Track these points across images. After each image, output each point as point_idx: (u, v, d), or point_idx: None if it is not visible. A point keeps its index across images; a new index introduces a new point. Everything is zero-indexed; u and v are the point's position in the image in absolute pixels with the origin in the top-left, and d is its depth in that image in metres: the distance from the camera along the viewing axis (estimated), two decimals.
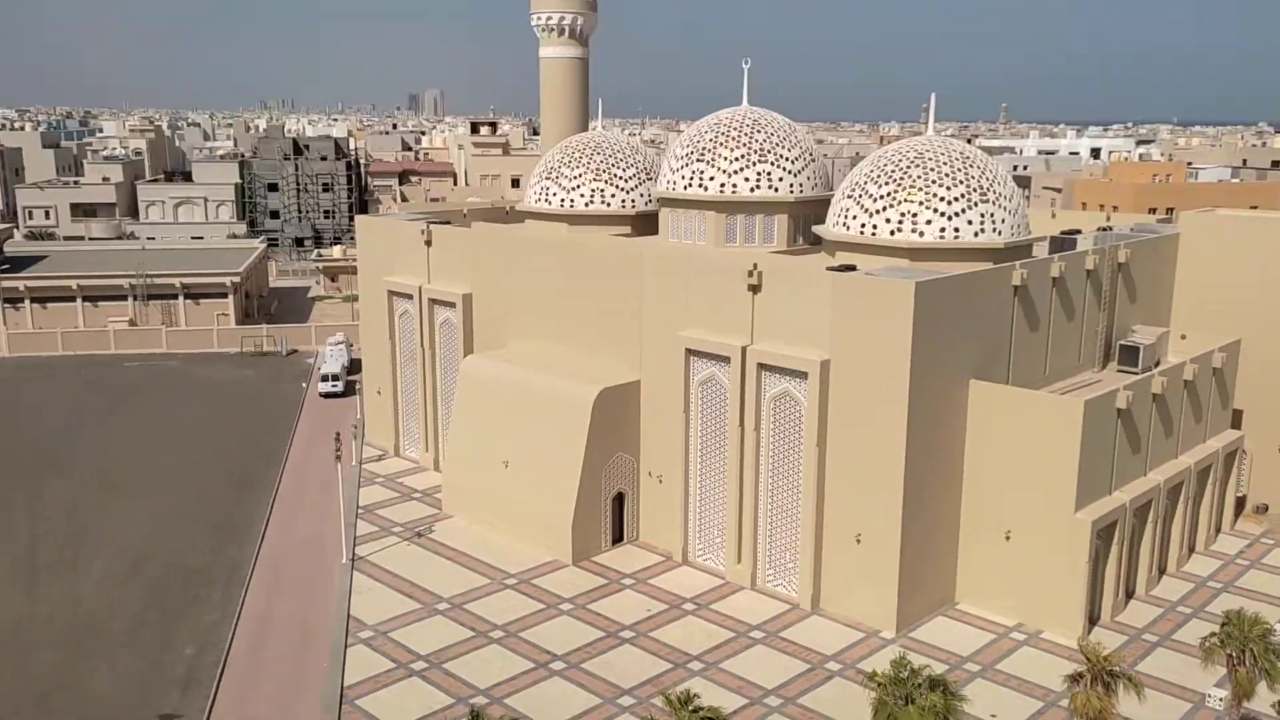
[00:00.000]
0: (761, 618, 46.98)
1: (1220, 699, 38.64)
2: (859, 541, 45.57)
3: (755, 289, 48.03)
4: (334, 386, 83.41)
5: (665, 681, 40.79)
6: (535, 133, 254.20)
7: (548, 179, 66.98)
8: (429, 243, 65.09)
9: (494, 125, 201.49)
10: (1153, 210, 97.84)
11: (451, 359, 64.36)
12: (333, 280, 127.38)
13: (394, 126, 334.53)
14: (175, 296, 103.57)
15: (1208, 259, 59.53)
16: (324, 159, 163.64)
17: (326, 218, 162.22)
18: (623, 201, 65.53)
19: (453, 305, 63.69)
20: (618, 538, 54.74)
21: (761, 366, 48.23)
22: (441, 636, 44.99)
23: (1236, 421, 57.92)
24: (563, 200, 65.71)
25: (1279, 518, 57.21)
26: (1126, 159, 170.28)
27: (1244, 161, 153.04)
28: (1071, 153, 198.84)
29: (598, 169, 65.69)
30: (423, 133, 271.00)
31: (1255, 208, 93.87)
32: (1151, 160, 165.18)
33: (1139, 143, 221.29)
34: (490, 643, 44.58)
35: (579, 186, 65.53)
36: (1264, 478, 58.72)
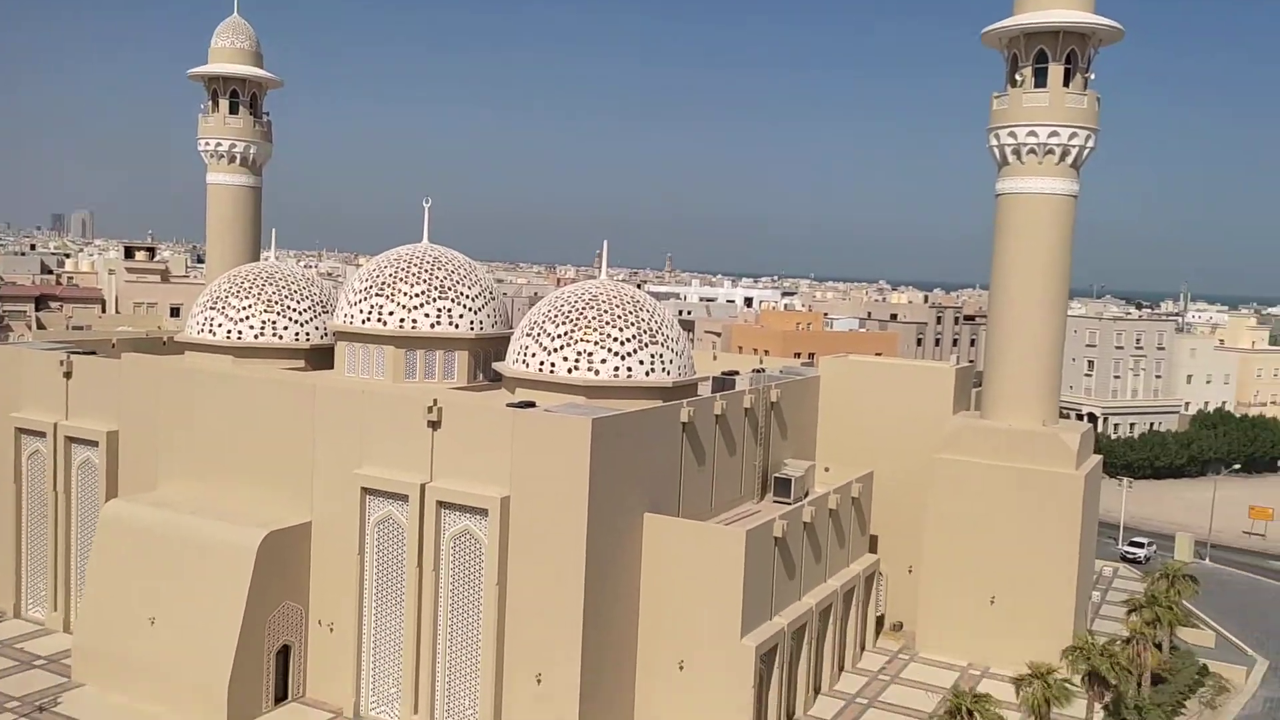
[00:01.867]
0: None
1: None
2: (539, 681, 44.95)
3: (435, 425, 47.46)
4: None
5: None
6: (200, 260, 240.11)
7: (213, 309, 63.16)
8: (68, 374, 58.71)
9: (152, 250, 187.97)
10: (798, 354, 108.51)
11: (90, 504, 57.59)
12: None
13: (32, 247, 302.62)
14: None
15: (843, 398, 66.53)
16: None
17: None
18: (296, 334, 62.99)
19: (94, 444, 57.40)
20: (281, 696, 50.34)
21: (441, 504, 47.28)
22: None
23: (873, 546, 64.07)
24: (229, 331, 62.06)
25: (911, 634, 63.30)
26: (775, 308, 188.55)
27: (869, 314, 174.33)
28: (729, 300, 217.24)
29: (269, 300, 62.95)
30: (67, 255, 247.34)
31: (880, 354, 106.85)
32: (795, 310, 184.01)
33: (784, 294, 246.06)
34: None
35: (248, 318, 62.31)
36: (898, 597, 65.03)
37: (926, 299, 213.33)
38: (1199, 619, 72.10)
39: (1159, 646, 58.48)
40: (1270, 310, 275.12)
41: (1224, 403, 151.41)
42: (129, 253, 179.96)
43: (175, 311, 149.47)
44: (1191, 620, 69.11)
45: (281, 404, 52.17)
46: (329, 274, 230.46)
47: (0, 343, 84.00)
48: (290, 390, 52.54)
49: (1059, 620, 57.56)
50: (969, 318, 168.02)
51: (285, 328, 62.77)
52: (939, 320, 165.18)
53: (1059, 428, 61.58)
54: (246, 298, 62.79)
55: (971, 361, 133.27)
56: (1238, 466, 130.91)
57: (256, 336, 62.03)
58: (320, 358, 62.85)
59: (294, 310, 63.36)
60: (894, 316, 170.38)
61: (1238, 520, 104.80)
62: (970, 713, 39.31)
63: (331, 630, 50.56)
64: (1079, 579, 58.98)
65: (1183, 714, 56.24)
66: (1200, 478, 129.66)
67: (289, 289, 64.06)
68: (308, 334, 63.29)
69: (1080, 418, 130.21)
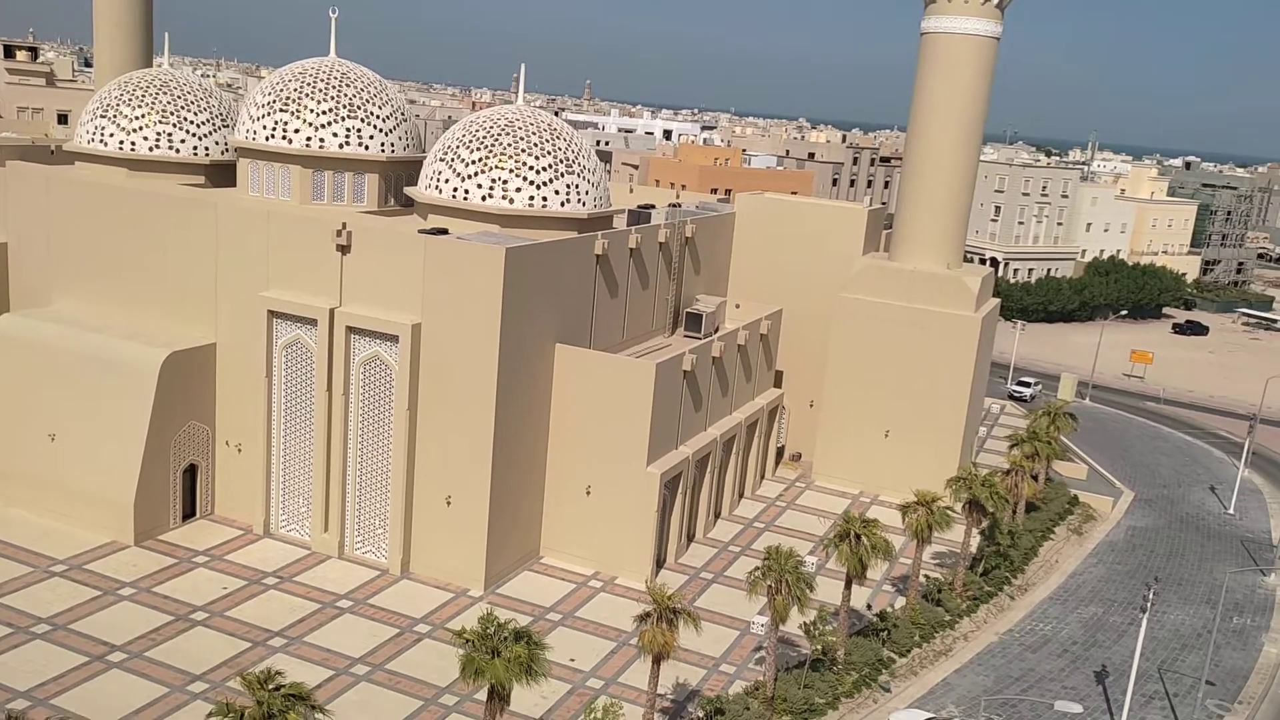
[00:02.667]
0: (349, 586, 46.06)
1: (762, 625, 44.18)
2: (449, 503, 46.14)
3: (344, 249, 46.49)
4: None
5: (243, 662, 38.73)
6: (88, 64, 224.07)
7: (104, 117, 59.55)
8: None
9: (34, 50, 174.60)
10: (714, 190, 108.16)
11: None
12: None
13: None
14: None
15: (757, 236, 67.06)
16: None
17: None
18: (194, 149, 60.04)
19: None
20: (189, 513, 50.74)
21: (351, 330, 46.89)
22: None
23: (778, 381, 66.12)
24: (122, 142, 58.79)
25: (809, 464, 66.35)
26: (694, 142, 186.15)
27: (787, 152, 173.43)
28: (647, 132, 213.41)
29: (164, 110, 59.57)
30: None
31: (795, 192, 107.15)
32: (714, 145, 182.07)
33: (704, 128, 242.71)
34: (33, 639, 39.47)
35: (142, 129, 59.01)
36: (799, 430, 67.74)
37: (844, 139, 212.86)
38: (1075, 454, 77.02)
39: (1036, 478, 62.52)
40: (1171, 162, 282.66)
41: (1118, 251, 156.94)
42: (9, 51, 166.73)
43: (63, 118, 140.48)
44: (1068, 455, 73.77)
45: (182, 222, 50.32)
46: (228, 85, 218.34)
47: None
48: (191, 208, 50.61)
49: (947, 453, 60.88)
50: (885, 159, 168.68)
51: (183, 141, 59.72)
52: (855, 161, 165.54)
53: (961, 271, 63.36)
54: (140, 106, 59.29)
55: (884, 204, 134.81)
56: (1125, 312, 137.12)
57: (152, 149, 58.96)
58: (221, 174, 60.23)
59: (191, 123, 60.17)
60: (812, 155, 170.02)
61: (1120, 363, 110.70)
62: (858, 537, 41.83)
63: (240, 450, 50.64)
64: (968, 415, 62.12)
65: (1052, 539, 60.82)
66: (1090, 322, 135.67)
67: (186, 99, 60.60)
68: (207, 149, 60.38)
69: (984, 262, 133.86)
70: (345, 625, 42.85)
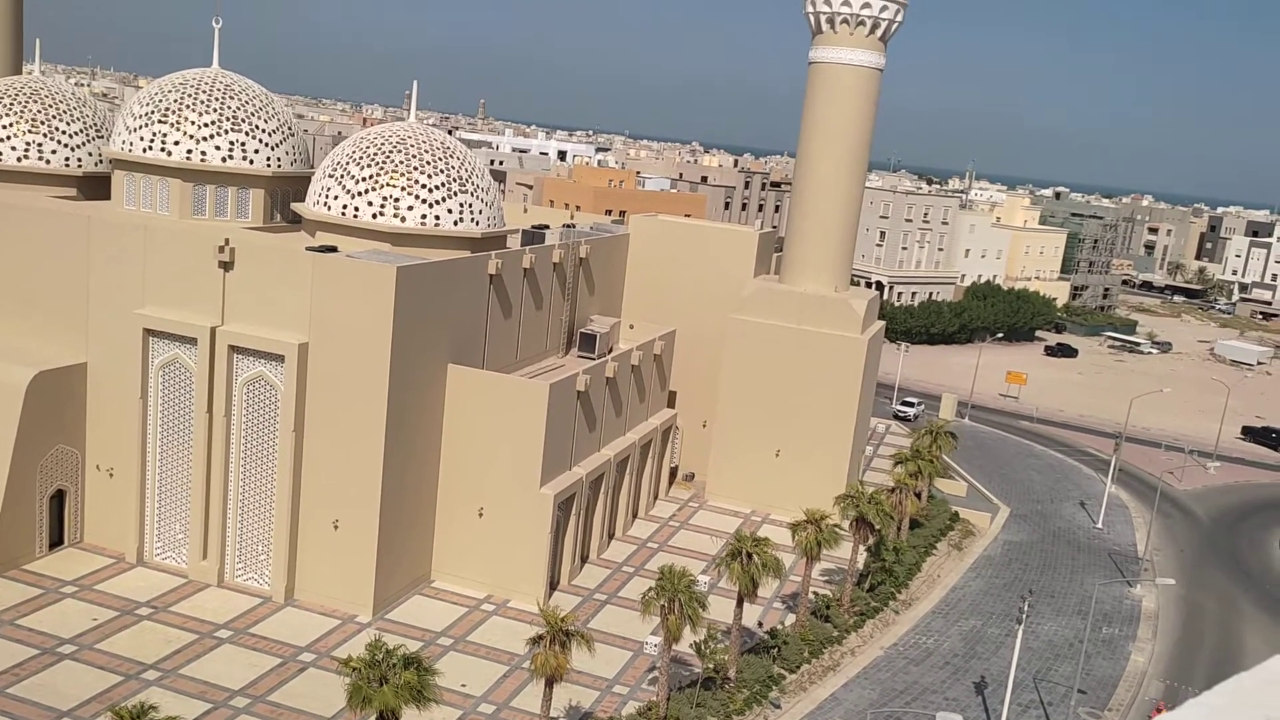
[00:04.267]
0: (229, 615, 44.39)
1: (655, 645, 44.28)
2: (336, 527, 44.98)
3: (227, 266, 45.07)
4: None
5: (115, 696, 36.87)
6: None
7: None
8: None
9: None
10: (609, 211, 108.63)
11: None
12: None
13: None
14: None
15: (651, 257, 67.68)
16: None
17: None
18: (66, 159, 57.48)
19: None
20: (56, 541, 48.22)
21: (233, 349, 45.42)
22: None
23: (671, 401, 66.66)
24: None
25: (702, 484, 66.97)
26: (588, 164, 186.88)
27: (680, 175, 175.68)
28: (542, 153, 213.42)
29: (34, 118, 56.88)
30: None
31: (689, 215, 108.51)
32: (609, 167, 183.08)
33: (598, 150, 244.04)
34: None
35: (10, 137, 56.20)
36: (691, 450, 68.37)
37: (736, 163, 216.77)
38: (956, 471, 79.67)
39: (919, 495, 64.44)
40: (1042, 192, 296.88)
41: (995, 276, 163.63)
42: None
43: None
44: (949, 472, 76.29)
45: (51, 235, 48.06)
46: (104, 95, 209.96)
47: None
48: (61, 220, 48.38)
49: (835, 472, 62.28)
50: (775, 184, 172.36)
51: (54, 151, 57.11)
52: (747, 185, 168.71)
53: (849, 294, 65.12)
54: (7, 115, 56.48)
55: (775, 227, 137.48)
56: (1000, 335, 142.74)
57: (20, 159, 56.21)
58: (94, 187, 57.78)
59: (64, 132, 57.60)
60: (704, 179, 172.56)
61: (996, 384, 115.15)
62: (749, 555, 42.35)
63: (111, 475, 48.41)
64: (855, 435, 63.72)
65: (934, 554, 62.72)
66: (969, 344, 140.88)
67: (58, 108, 58.01)
68: (79, 160, 57.87)
69: (869, 285, 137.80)
70: (225, 656, 41.24)
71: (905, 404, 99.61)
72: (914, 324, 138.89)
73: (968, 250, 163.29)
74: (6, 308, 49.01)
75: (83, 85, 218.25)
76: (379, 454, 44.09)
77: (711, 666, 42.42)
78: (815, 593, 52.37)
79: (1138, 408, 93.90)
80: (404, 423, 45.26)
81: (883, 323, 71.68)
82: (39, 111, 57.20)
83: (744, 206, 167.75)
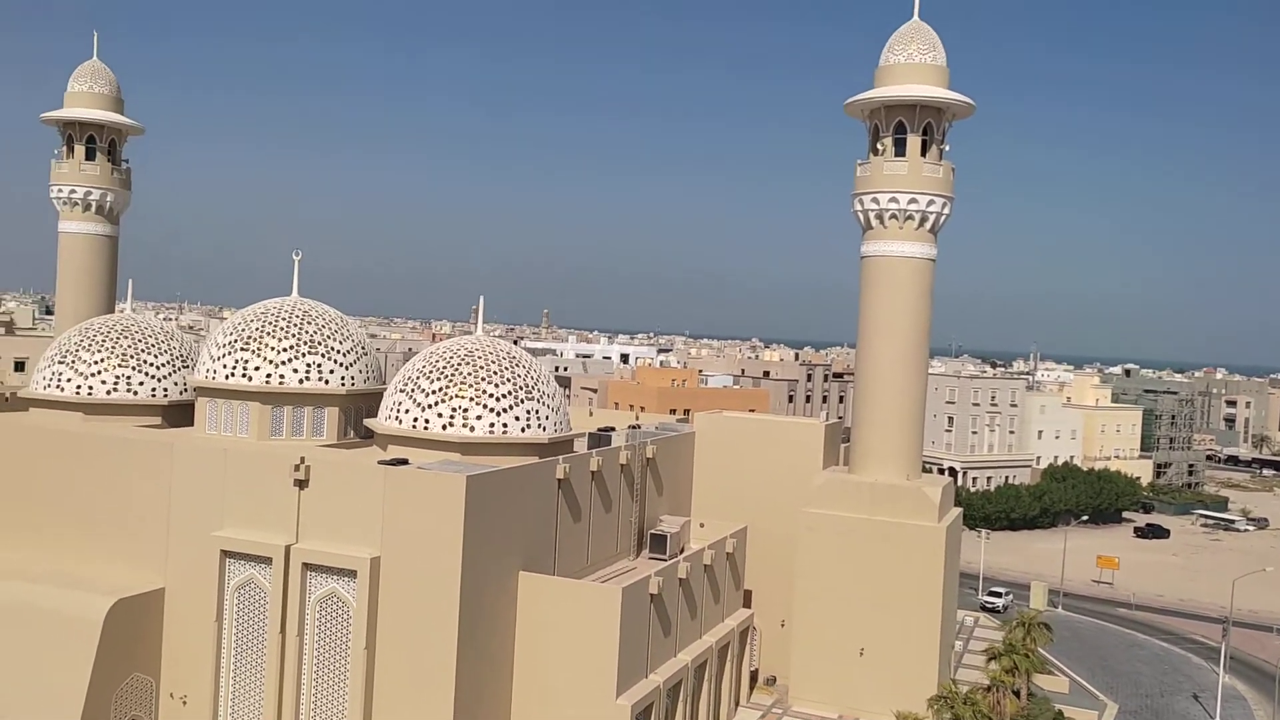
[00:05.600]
0: None
1: None
2: None
3: (302, 484, 45.92)
4: None
5: None
6: (49, 312, 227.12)
7: (61, 363, 59.82)
8: None
9: None
10: (673, 410, 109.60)
11: None
12: None
13: None
14: None
15: (717, 454, 67.49)
16: None
17: None
18: (152, 390, 60.18)
19: None
20: None
21: (307, 566, 45.58)
22: None
23: (747, 601, 64.68)
24: (79, 387, 58.80)
25: (784, 687, 63.89)
26: (650, 365, 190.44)
27: (742, 371, 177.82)
28: (605, 357, 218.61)
29: (124, 354, 60.06)
30: None
31: (753, 410, 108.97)
32: (671, 367, 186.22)
33: (660, 351, 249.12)
34: None
35: (100, 372, 59.25)
36: (771, 651, 65.69)
37: (797, 356, 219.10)
38: (1054, 665, 75.14)
39: (1017, 694, 60.62)
40: (1110, 370, 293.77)
41: (1071, 456, 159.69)
42: None
43: (20, 366, 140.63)
44: (1047, 667, 71.92)
45: (132, 462, 49.64)
46: (190, 327, 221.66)
47: None
48: (142, 448, 50.08)
49: (924, 669, 59.08)
50: (838, 375, 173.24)
51: (141, 383, 59.92)
52: (809, 377, 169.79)
53: (922, 482, 63.81)
54: (99, 351, 59.77)
55: (840, 418, 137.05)
56: (1085, 517, 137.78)
57: (109, 392, 58.97)
58: (179, 415, 60.12)
59: (151, 365, 60.60)
60: (766, 374, 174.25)
61: (1087, 569, 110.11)
62: None
63: (185, 703, 47.78)
64: (942, 629, 60.80)
65: None
66: (1052, 528, 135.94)
67: (146, 342, 61.31)
68: (165, 390, 60.53)
69: (941, 472, 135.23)
70: None
71: (993, 594, 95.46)
72: (992, 509, 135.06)
73: (1040, 432, 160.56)
74: (91, 536, 50.12)
75: (170, 320, 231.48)
76: (451, 668, 43.05)
77: None
78: None
79: (1241, 589, 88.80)
80: (476, 633, 44.40)
81: (960, 510, 69.75)
82: (128, 347, 60.43)
83: (808, 399, 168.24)
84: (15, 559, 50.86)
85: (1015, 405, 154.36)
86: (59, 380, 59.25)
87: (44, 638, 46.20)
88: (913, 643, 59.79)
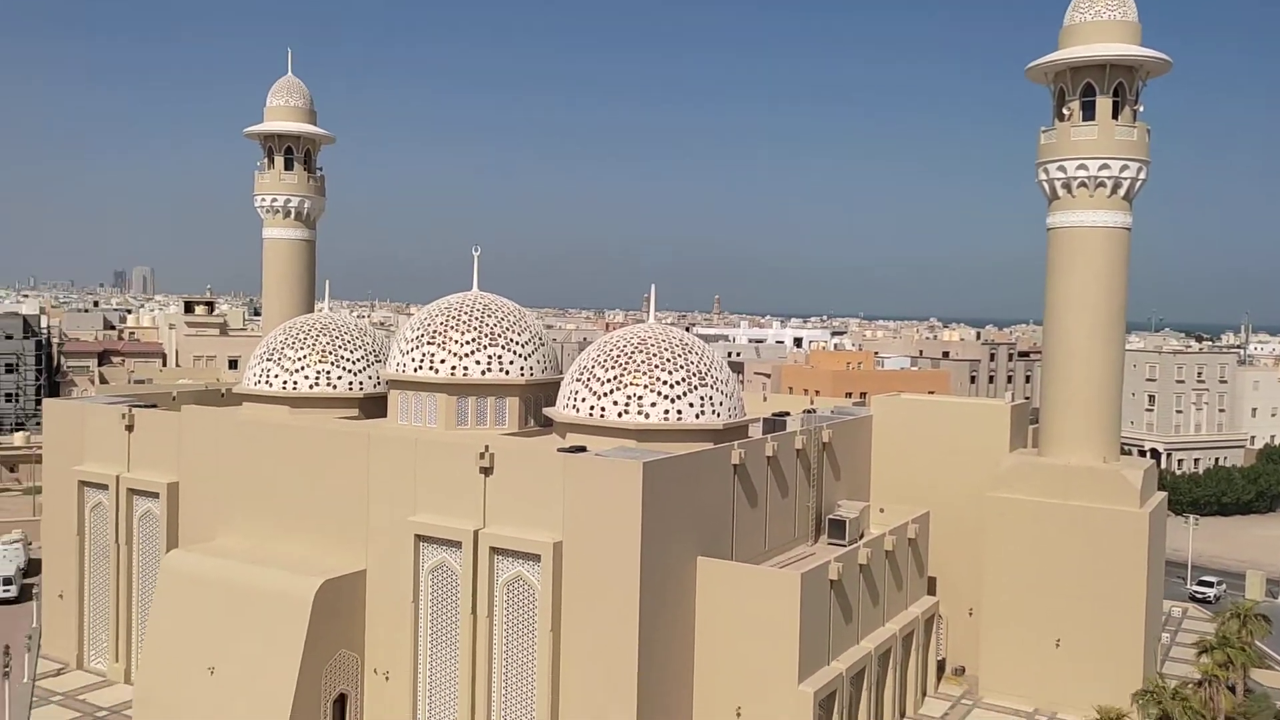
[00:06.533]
0: None
1: None
2: None
3: (487, 471, 47.70)
4: (5, 591, 73.18)
5: None
6: (257, 313, 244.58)
7: (269, 360, 64.37)
8: (130, 428, 60.08)
9: (211, 304, 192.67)
10: (849, 394, 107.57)
11: (151, 555, 58.56)
12: (12, 471, 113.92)
13: (95, 304, 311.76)
14: None
15: (897, 438, 65.71)
16: (9, 338, 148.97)
17: (9, 401, 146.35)
18: (350, 384, 63.92)
19: (155, 495, 58.54)
20: None
21: (494, 550, 47.36)
22: None
23: (932, 588, 62.82)
24: (285, 382, 63.14)
25: (974, 678, 61.74)
26: (824, 348, 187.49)
27: (920, 352, 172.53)
28: (778, 341, 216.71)
29: (324, 350, 64.04)
30: (129, 311, 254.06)
31: (932, 392, 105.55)
32: (845, 349, 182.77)
33: (834, 334, 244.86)
34: None
35: (303, 368, 63.38)
36: (959, 640, 63.57)
37: (979, 336, 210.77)
38: (1274, 660, 69.51)
39: (1232, 689, 56.35)
40: None
41: None
42: (189, 307, 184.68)
43: (233, 364, 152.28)
44: (1266, 662, 66.63)
45: (336, 453, 52.80)
46: (381, 323, 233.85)
47: (64, 398, 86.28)
48: (345, 439, 53.21)
49: (1128, 663, 55.85)
50: (1023, 354, 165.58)
51: (339, 377, 63.75)
52: (992, 357, 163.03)
53: (1121, 464, 60.19)
54: (301, 349, 63.93)
55: (1027, 398, 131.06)
56: None
57: (311, 386, 63.04)
58: (373, 406, 63.65)
59: (348, 360, 64.36)
60: (946, 354, 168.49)
61: None
62: None
63: (387, 679, 50.62)
64: (1147, 620, 57.26)
65: None
66: (1269, 513, 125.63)
67: (343, 339, 65.13)
68: (361, 383, 64.18)
69: (1142, 454, 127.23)
70: None
71: (1203, 583, 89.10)
72: (1201, 494, 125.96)
73: (1254, 409, 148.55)
74: (299, 522, 53.73)
75: (363, 317, 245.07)
76: (634, 650, 43.80)
77: None
78: None
79: None
80: (657, 617, 44.99)
81: (1164, 494, 65.36)
82: (327, 344, 64.37)
83: (990, 379, 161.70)
84: (235, 542, 55.13)
85: (1225, 381, 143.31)
86: (267, 376, 63.76)
87: (262, 614, 49.91)
88: (1115, 635, 56.59)
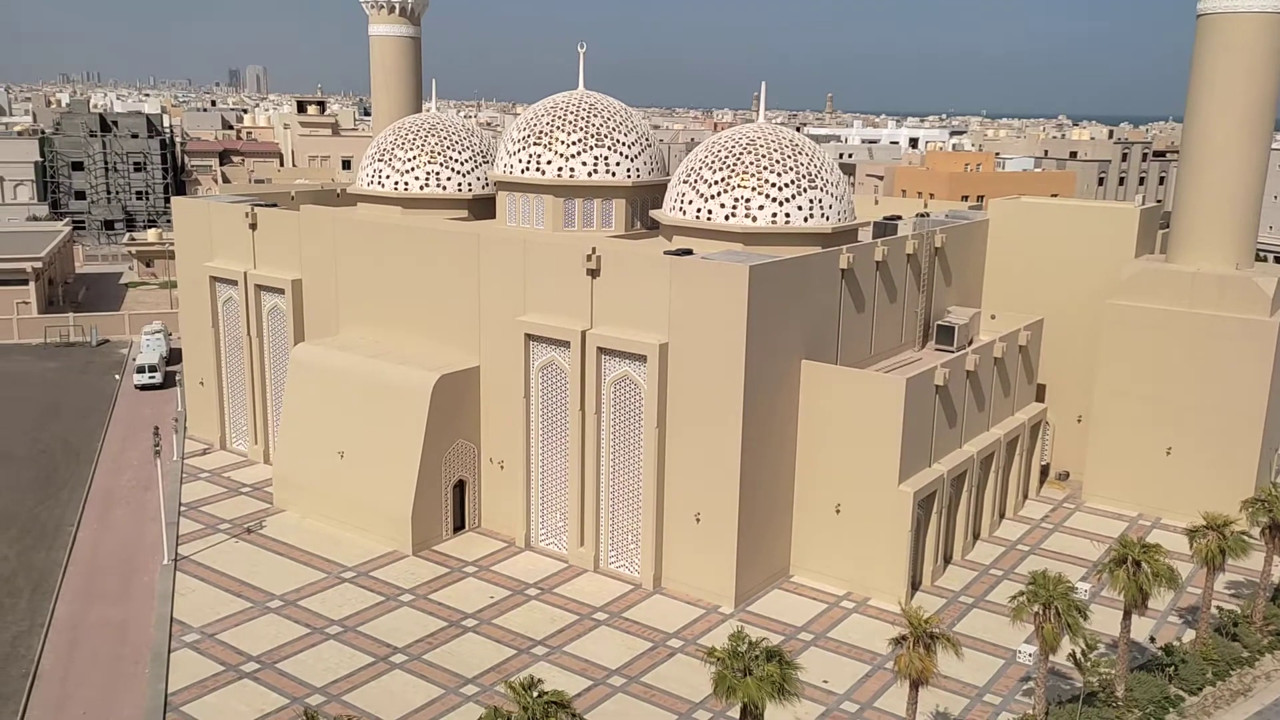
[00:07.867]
0: (604, 599, 47.42)
1: (1029, 654, 41.52)
2: (698, 520, 46.59)
3: (594, 273, 48.22)
4: (151, 378, 78.85)
5: (509, 668, 40.68)
6: (367, 113, 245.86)
7: (380, 161, 65.15)
8: (254, 226, 62.26)
9: (322, 104, 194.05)
10: (965, 197, 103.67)
11: (281, 347, 61.88)
12: (148, 265, 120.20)
13: (213, 104, 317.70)
14: None
15: (1014, 244, 63.55)
16: (135, 136, 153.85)
17: (139, 199, 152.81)
18: (459, 185, 64.46)
19: (281, 291, 61.22)
20: (459, 525, 54.10)
21: (601, 350, 48.51)
22: (274, 635, 43.40)
23: (1040, 395, 62.20)
24: (396, 183, 64.06)
25: (1078, 483, 61.86)
26: (941, 149, 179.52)
27: (1045, 152, 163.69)
28: (892, 142, 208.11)
29: (433, 151, 64.37)
30: (245, 111, 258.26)
31: (1056, 195, 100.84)
32: (964, 150, 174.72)
33: (952, 133, 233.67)
34: (326, 639, 43.30)
35: (413, 169, 64.04)
36: (1065, 447, 63.36)
37: (1111, 134, 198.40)
38: None
39: None
40: None
41: None
42: (301, 107, 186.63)
43: (346, 164, 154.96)
44: None
45: (448, 253, 53.96)
46: (488, 124, 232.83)
47: (190, 196, 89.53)
48: (456, 240, 54.22)
49: (1241, 472, 55.02)
50: (1159, 154, 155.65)
51: (449, 179, 64.27)
52: (1124, 157, 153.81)
53: (1253, 271, 57.23)
54: (411, 149, 64.37)
55: (1159, 201, 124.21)
56: None
57: (422, 188, 63.83)
58: (482, 208, 64.30)
59: (456, 161, 64.65)
60: (1073, 154, 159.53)
61: None
62: (1138, 563, 38.46)
63: (502, 468, 53.52)
64: (1265, 430, 55.88)
65: None
66: None
67: (451, 140, 65.22)
68: (469, 184, 64.65)
69: (1278, 260, 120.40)
70: (602, 637, 44.15)
71: None
72: None
73: None
74: (414, 319, 55.76)
75: (470, 117, 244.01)
76: (736, 448, 45.09)
77: (1095, 681, 39.04)
78: (1219, 607, 46.58)
79: None
80: (760, 418, 45.94)
81: None
82: (435, 144, 64.59)
83: (1121, 181, 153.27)
84: (357, 336, 57.77)
85: None
86: (379, 177, 64.71)
87: (386, 405, 52.83)
88: (1230, 444, 55.52)
